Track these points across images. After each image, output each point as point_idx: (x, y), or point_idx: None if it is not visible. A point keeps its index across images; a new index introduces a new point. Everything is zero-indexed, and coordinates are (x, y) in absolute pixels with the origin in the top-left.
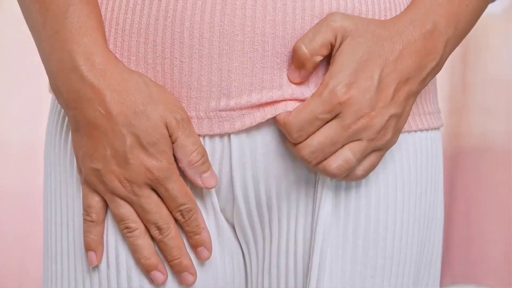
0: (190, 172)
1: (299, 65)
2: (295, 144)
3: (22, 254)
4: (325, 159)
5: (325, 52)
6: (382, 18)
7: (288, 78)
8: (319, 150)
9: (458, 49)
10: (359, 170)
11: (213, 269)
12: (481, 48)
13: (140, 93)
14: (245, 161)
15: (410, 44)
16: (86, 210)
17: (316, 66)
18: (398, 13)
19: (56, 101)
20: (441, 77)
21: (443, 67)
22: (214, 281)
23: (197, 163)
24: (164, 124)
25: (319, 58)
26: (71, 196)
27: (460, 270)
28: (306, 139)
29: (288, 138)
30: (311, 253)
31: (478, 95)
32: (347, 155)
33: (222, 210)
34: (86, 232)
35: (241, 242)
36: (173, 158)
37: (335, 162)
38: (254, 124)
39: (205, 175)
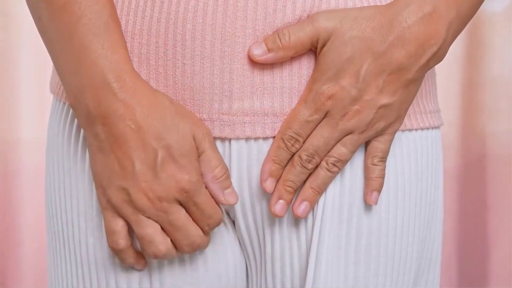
0: (213, 187)
1: (271, 48)
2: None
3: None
4: (322, 159)
5: (300, 50)
6: (383, 3)
7: (249, 49)
8: (317, 154)
9: (463, 48)
10: (376, 169)
11: (216, 265)
12: (486, 46)
13: (168, 109)
14: (242, 168)
15: (403, 32)
16: (112, 238)
17: (284, 60)
18: None
19: (59, 104)
20: (450, 76)
21: (451, 67)
22: (217, 278)
23: (221, 178)
24: (192, 137)
25: (292, 54)
26: (75, 197)
27: (465, 273)
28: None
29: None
30: (308, 256)
31: (485, 95)
32: (341, 149)
33: (226, 211)
34: (122, 259)
35: (241, 244)
36: (200, 170)
37: (331, 159)
38: (253, 137)
39: (227, 191)
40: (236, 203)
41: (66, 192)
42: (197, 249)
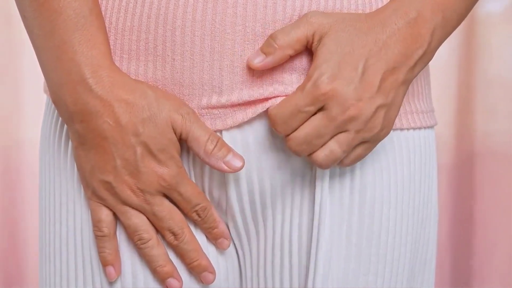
0: (211, 162)
1: (268, 51)
2: (285, 136)
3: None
4: (314, 151)
5: (298, 47)
6: (367, 11)
7: (248, 60)
8: (306, 142)
9: (461, 49)
10: (347, 159)
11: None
12: (483, 47)
13: (146, 98)
14: None
15: (394, 33)
16: (97, 225)
17: (284, 60)
18: (383, 4)
19: (50, 102)
20: (447, 77)
21: (448, 68)
22: None
23: (213, 151)
24: (171, 126)
25: (290, 52)
26: (65, 195)
27: (464, 273)
28: (293, 131)
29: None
30: (310, 248)
31: (483, 96)
32: (333, 146)
33: (216, 208)
34: (100, 248)
35: (234, 240)
36: (181, 162)
37: (321, 153)
38: (245, 120)
39: (227, 158)
40: (243, 165)
41: (56, 192)
42: (183, 240)
